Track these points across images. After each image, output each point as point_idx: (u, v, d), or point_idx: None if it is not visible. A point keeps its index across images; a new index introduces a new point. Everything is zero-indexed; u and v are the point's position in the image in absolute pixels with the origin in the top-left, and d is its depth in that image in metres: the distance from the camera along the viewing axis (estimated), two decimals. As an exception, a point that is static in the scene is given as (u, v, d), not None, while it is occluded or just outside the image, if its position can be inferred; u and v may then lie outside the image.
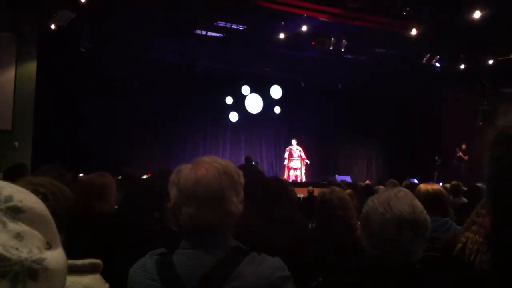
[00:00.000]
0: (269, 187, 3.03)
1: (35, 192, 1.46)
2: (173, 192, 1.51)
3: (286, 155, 16.70)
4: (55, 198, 1.54)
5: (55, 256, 0.66)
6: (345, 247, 2.69)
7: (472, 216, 2.25)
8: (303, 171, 16.71)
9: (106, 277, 1.58)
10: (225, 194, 1.48)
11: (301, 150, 16.63)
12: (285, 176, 15.57)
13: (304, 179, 16.38)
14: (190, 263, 1.45)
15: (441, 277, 1.54)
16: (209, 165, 1.51)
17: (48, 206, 0.72)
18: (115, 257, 2.12)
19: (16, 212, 0.64)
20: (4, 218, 0.63)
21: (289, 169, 16.55)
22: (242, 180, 1.56)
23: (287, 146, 16.79)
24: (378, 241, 1.61)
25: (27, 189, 1.42)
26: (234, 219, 1.51)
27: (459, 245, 2.07)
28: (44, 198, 1.48)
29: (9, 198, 0.65)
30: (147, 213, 2.78)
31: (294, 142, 16.65)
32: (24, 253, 0.61)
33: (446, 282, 1.52)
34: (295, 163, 16.54)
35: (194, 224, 1.47)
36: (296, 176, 16.28)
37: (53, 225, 0.70)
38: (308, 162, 16.76)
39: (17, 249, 0.60)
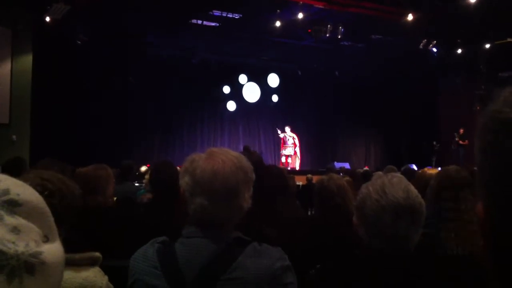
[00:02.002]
0: (266, 177, 3.02)
1: (43, 187, 1.47)
2: (185, 180, 1.52)
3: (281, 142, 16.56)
4: (61, 197, 1.54)
5: (53, 250, 0.66)
6: (343, 234, 2.70)
7: (445, 213, 2.29)
8: (297, 159, 16.46)
9: (105, 269, 1.59)
10: (240, 189, 1.49)
11: (295, 138, 16.40)
12: (280, 164, 15.36)
13: (297, 168, 16.16)
14: (191, 252, 1.47)
15: (436, 264, 1.55)
16: (225, 158, 1.51)
17: (52, 203, 0.72)
18: (113, 250, 2.12)
19: (13, 205, 0.64)
20: (1, 212, 0.62)
21: (282, 156, 16.38)
22: (253, 176, 1.56)
23: (281, 134, 16.54)
24: (373, 227, 1.61)
25: (35, 183, 1.44)
26: (242, 214, 1.53)
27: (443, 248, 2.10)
28: (50, 195, 1.47)
29: (6, 192, 0.65)
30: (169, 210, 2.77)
31: (287, 129, 16.41)
32: (20, 247, 0.61)
33: (441, 270, 1.53)
34: (288, 150, 16.32)
35: (204, 215, 1.48)
36: (287, 164, 15.94)
37: (50, 218, 0.70)
38: (298, 151, 16.50)
39: (13, 243, 0.60)
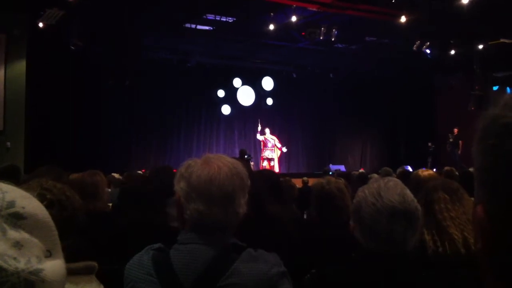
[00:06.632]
0: (258, 182, 3.00)
1: (42, 197, 1.45)
2: (181, 185, 1.51)
3: (261, 145, 16.12)
4: (61, 207, 1.52)
5: (54, 267, 0.65)
6: (341, 237, 2.70)
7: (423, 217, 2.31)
8: (276, 161, 15.93)
9: (102, 275, 1.58)
10: (236, 195, 1.50)
11: (275, 139, 15.99)
12: (259, 167, 14.91)
13: (277, 170, 15.32)
14: (186, 259, 1.46)
15: (434, 268, 1.55)
16: (221, 163, 1.51)
17: (51, 214, 0.72)
18: (112, 255, 2.12)
19: (17, 218, 0.63)
20: (5, 225, 0.62)
21: (263, 159, 15.88)
22: (249, 182, 1.56)
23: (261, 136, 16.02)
24: (370, 231, 1.62)
25: (36, 192, 1.42)
26: (238, 220, 1.53)
27: (430, 249, 2.13)
28: (49, 205, 1.46)
29: (11, 204, 0.64)
30: (143, 210, 2.78)
31: (267, 131, 15.95)
32: (21, 264, 0.60)
33: (440, 273, 1.54)
34: (268, 153, 15.82)
35: (200, 221, 1.48)
36: (271, 168, 15.16)
37: (55, 232, 0.69)
38: (285, 150, 16.08)
39: (15, 258, 0.60)
